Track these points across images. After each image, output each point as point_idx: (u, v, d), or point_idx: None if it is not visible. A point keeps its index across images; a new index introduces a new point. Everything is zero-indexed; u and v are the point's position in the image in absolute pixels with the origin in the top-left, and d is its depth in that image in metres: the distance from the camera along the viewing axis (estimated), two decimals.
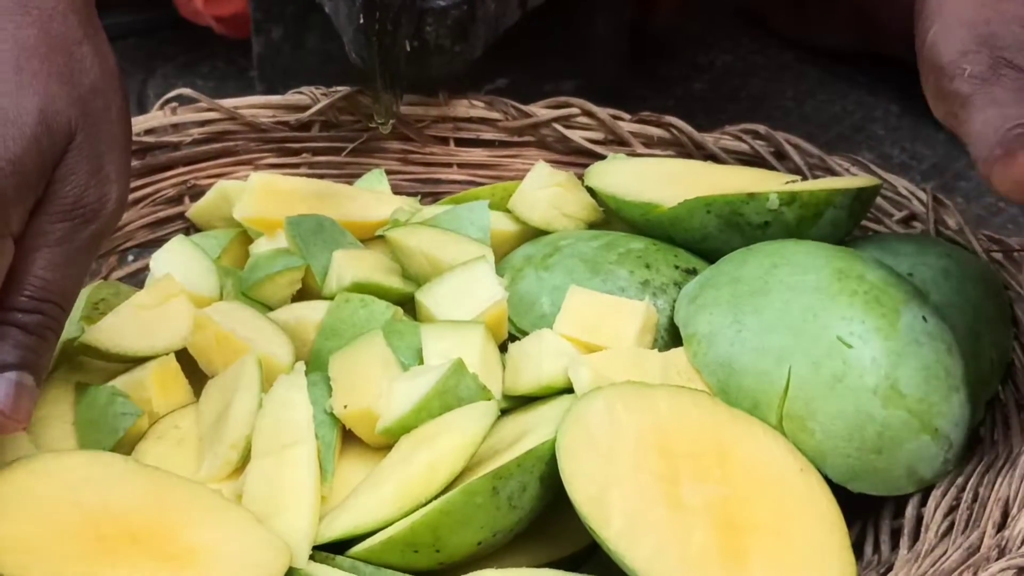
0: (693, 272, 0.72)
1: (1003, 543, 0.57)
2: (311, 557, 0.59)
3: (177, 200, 0.85)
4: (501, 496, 0.59)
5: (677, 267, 0.72)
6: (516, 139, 0.88)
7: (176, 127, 0.84)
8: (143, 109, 1.03)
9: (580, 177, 0.81)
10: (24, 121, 0.56)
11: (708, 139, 0.86)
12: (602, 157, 0.86)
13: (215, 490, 0.61)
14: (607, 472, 0.59)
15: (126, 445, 0.66)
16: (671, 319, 0.70)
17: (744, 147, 0.86)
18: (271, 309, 0.73)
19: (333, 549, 0.60)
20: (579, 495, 0.58)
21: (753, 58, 1.19)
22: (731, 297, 0.67)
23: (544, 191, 0.78)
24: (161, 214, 0.84)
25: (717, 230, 0.73)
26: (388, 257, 0.75)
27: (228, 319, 0.69)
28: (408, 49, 0.80)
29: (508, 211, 0.80)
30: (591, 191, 0.79)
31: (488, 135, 0.89)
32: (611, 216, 0.79)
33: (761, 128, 0.86)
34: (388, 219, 0.77)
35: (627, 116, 0.87)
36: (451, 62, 0.83)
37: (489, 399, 0.64)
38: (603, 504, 0.58)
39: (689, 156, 0.86)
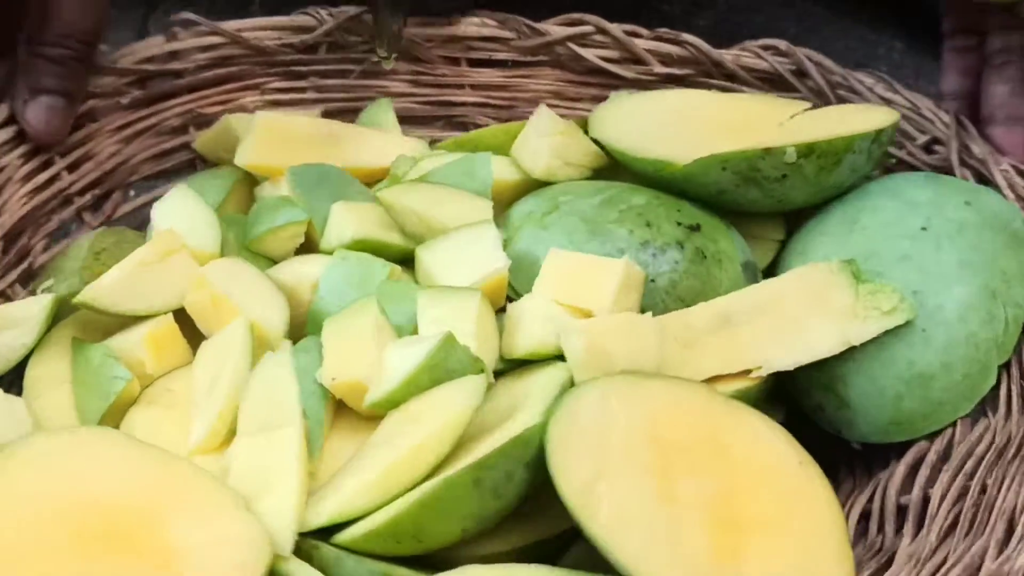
0: (696, 228, 0.70)
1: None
2: (297, 542, 0.59)
3: (182, 130, 0.83)
4: (484, 486, 0.57)
5: (679, 223, 0.69)
6: (530, 59, 0.86)
7: (177, 54, 0.82)
8: None
9: (597, 101, 0.78)
10: None
11: (727, 56, 0.83)
12: (618, 77, 0.83)
13: (201, 469, 0.60)
14: (597, 464, 0.57)
15: (119, 408, 0.65)
16: (672, 281, 0.68)
17: (764, 64, 0.82)
18: (275, 262, 0.72)
19: (319, 531, 0.60)
20: (567, 486, 0.56)
21: None
22: None
23: (546, 139, 0.75)
24: (166, 145, 0.83)
25: (733, 185, 0.70)
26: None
27: (225, 279, 0.68)
28: None
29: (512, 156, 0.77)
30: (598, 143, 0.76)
31: (501, 55, 0.86)
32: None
33: (782, 44, 0.82)
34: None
35: (644, 33, 0.84)
36: None
37: (480, 371, 0.62)
38: (591, 496, 0.56)
39: (707, 75, 0.83)
